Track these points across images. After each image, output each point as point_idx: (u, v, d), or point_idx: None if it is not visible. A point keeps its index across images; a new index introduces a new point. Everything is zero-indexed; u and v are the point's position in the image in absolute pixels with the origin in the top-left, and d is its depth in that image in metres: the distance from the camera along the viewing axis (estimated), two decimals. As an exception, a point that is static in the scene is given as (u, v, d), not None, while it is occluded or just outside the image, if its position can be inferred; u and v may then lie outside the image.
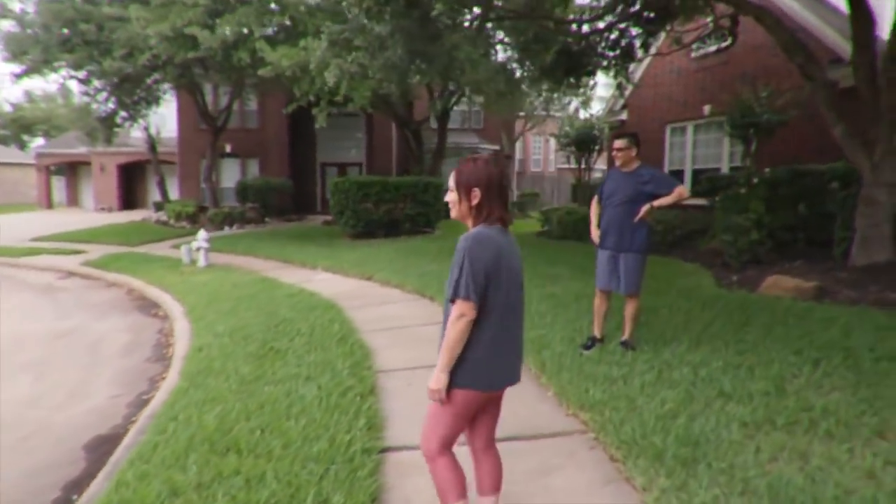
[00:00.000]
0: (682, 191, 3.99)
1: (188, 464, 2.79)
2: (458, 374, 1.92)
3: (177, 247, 12.59)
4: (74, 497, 2.98)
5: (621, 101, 14.25)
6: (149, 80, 15.26)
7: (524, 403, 3.51)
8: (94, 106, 17.27)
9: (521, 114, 22.27)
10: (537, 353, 4.25)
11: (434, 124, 17.76)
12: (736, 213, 7.68)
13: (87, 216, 22.92)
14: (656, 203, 3.99)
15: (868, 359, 3.70)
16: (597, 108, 22.25)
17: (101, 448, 3.60)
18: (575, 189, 14.51)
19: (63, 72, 12.56)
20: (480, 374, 1.94)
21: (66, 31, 11.37)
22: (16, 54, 11.90)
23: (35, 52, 11.64)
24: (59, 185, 30.40)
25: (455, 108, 22.48)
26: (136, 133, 21.63)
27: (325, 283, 8.44)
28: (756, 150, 9.17)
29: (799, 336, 4.23)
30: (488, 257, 1.88)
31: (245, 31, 10.73)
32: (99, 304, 8.13)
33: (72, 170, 29.16)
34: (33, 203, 31.07)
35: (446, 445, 2.03)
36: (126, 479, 2.71)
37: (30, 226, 19.24)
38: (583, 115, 20.98)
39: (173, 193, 22.98)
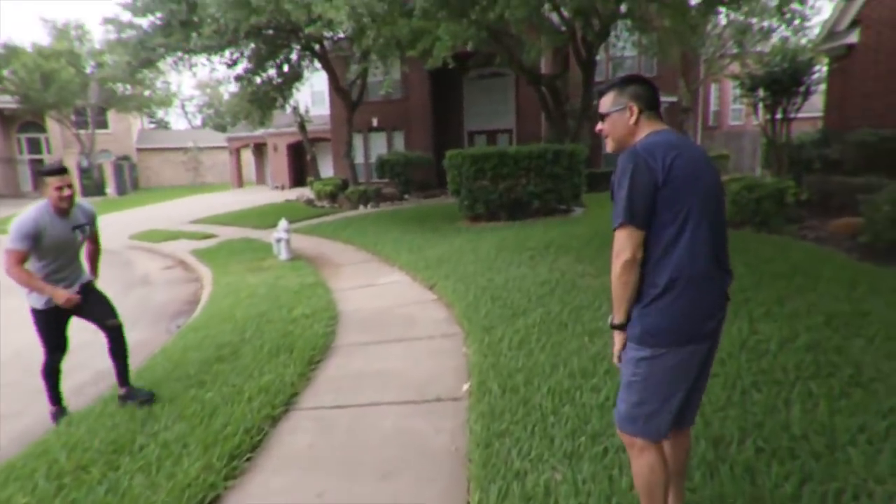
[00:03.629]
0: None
1: None
2: None
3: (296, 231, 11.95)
4: None
5: (850, 16, 9.63)
6: (280, 57, 14.96)
7: None
8: (247, 89, 17.89)
9: (705, 56, 17.39)
10: None
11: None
12: None
13: (261, 195, 24.63)
14: None
15: None
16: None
17: None
18: (766, 150, 10.33)
19: (171, 58, 12.72)
20: None
21: (159, 14, 11.32)
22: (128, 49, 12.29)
23: (134, 44, 11.84)
24: (252, 165, 33.80)
25: (621, 53, 18.71)
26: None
27: (378, 290, 6.77)
28: None
29: None
30: None
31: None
32: (143, 311, 7.39)
33: (258, 151, 32.02)
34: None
35: None
36: None
37: (203, 206, 21.07)
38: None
39: (329, 171, 23.43)
